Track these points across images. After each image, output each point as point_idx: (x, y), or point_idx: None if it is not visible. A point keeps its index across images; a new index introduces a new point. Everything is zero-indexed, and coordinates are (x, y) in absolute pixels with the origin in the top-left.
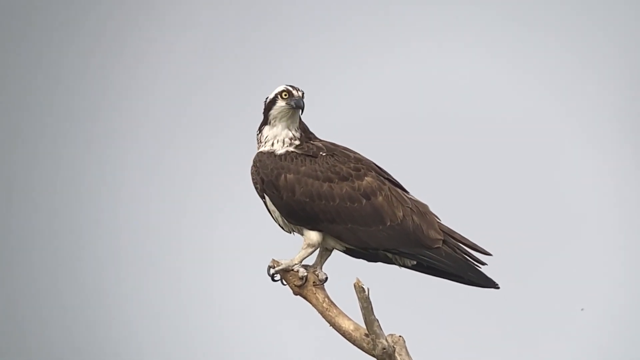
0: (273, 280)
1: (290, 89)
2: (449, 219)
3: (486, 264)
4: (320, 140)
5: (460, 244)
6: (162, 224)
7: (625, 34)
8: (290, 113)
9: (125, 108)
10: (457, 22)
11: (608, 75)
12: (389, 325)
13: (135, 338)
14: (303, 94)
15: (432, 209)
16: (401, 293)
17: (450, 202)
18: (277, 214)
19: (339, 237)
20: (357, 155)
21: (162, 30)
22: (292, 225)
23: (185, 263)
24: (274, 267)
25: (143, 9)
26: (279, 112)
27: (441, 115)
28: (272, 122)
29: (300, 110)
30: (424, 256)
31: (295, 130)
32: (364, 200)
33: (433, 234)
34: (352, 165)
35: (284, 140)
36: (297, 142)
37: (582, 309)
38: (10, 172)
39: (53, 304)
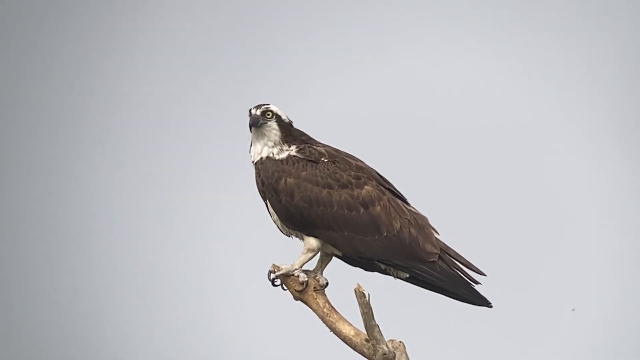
0: (273, 285)
1: (250, 109)
2: (443, 234)
3: (480, 283)
4: (324, 146)
5: (455, 261)
6: (159, 227)
7: (625, 38)
8: (256, 132)
9: (122, 104)
10: (457, 24)
11: (609, 80)
12: (389, 331)
13: (132, 341)
14: (264, 111)
15: (431, 221)
16: (401, 299)
17: (445, 215)
18: (275, 217)
19: (334, 245)
20: (358, 163)
21: (158, 29)
22: (289, 230)
23: (185, 268)
24: (274, 272)
25: (138, 8)
26: (252, 132)
27: (441, 119)
28: (252, 141)
29: (251, 128)
30: (417, 270)
31: (272, 146)
32: (362, 209)
33: (429, 247)
34: (352, 173)
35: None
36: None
37: (573, 309)
38: (4, 172)
39: (47, 306)
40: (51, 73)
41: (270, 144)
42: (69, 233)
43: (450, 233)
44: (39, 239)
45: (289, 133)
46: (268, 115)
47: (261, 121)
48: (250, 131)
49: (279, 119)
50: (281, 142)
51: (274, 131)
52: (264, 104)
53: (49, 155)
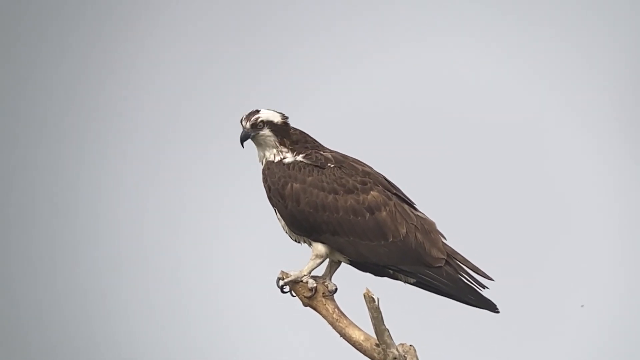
0: (282, 291)
1: (241, 120)
2: (451, 239)
3: (488, 288)
4: (330, 151)
5: (463, 266)
6: (167, 233)
7: (628, 35)
8: (254, 142)
9: (128, 105)
10: (461, 21)
11: (613, 76)
12: (399, 335)
13: (138, 343)
14: (254, 123)
15: (438, 226)
16: (411, 302)
17: (453, 219)
18: (282, 222)
19: (340, 250)
20: (365, 169)
21: (160, 29)
22: (297, 236)
23: (193, 275)
24: (283, 279)
25: (139, 9)
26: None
27: (448, 119)
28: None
29: (242, 143)
30: (423, 275)
31: (273, 151)
32: (368, 215)
33: (435, 252)
34: (359, 178)
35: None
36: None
37: (582, 306)
38: (7, 174)
39: (52, 308)
40: (56, 73)
41: (270, 149)
42: (75, 233)
43: (458, 238)
44: (45, 239)
45: (284, 134)
46: (260, 126)
47: (252, 133)
48: (242, 146)
49: (270, 124)
50: (278, 145)
51: (268, 138)
52: (253, 113)
53: (54, 157)
